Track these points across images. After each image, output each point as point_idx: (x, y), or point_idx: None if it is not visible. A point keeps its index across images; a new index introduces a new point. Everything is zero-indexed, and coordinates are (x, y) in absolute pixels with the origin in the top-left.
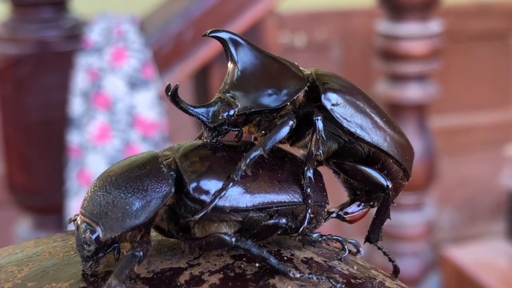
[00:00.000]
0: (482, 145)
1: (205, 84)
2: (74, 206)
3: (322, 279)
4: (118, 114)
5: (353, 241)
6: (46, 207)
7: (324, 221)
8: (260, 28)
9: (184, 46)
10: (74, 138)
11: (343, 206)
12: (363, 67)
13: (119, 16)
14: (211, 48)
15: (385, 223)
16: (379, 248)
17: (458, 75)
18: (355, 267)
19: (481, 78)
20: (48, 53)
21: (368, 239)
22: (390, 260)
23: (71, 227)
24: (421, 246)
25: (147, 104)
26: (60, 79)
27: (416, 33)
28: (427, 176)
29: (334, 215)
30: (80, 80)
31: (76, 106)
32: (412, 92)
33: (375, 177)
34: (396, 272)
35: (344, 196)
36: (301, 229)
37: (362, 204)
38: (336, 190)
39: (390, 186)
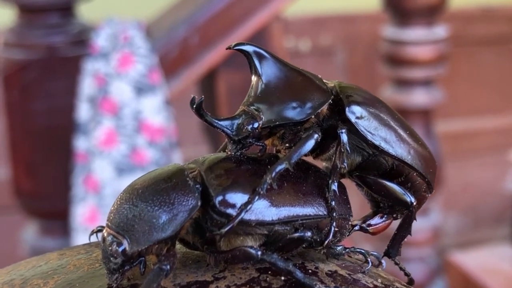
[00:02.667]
0: (487, 149)
1: (211, 89)
2: (80, 211)
3: None
4: (125, 119)
5: (375, 253)
6: (52, 212)
7: (349, 234)
8: (265, 33)
9: (190, 52)
10: (80, 144)
11: (366, 218)
12: (368, 72)
13: (125, 21)
14: (217, 53)
15: (405, 239)
16: (396, 263)
17: (462, 79)
18: (379, 280)
19: (485, 83)
20: (55, 59)
21: (387, 254)
22: (405, 274)
23: (93, 238)
24: (427, 251)
25: (154, 109)
26: (67, 85)
27: (421, 38)
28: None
29: (357, 227)
30: (86, 86)
31: (83, 111)
32: (418, 97)
33: (399, 193)
34: (410, 284)
35: (365, 206)
36: (326, 242)
37: (385, 216)
38: (356, 200)
39: (414, 203)
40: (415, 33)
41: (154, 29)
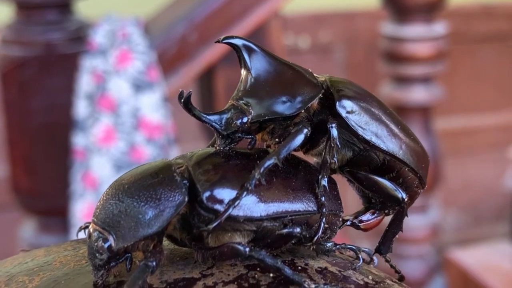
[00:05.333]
0: (487, 147)
1: (210, 86)
2: (79, 208)
3: None
4: (123, 116)
5: (366, 250)
6: (51, 210)
7: (339, 228)
8: (264, 30)
9: (189, 49)
10: (79, 141)
11: (357, 214)
12: (367, 69)
13: (123, 18)
14: (216, 50)
15: (397, 235)
16: (387, 261)
17: (462, 76)
18: (370, 277)
19: (485, 80)
20: (53, 56)
21: (378, 251)
22: (396, 271)
23: (81, 235)
24: (426, 248)
25: (152, 106)
26: (65, 82)
27: (421, 35)
28: (432, 178)
29: (348, 223)
30: (84, 83)
31: (81, 108)
32: (417, 94)
33: (391, 189)
34: (401, 281)
35: (357, 202)
36: (315, 238)
37: (377, 212)
38: (349, 196)
39: (405, 199)
40: (414, 30)
41: (153, 26)
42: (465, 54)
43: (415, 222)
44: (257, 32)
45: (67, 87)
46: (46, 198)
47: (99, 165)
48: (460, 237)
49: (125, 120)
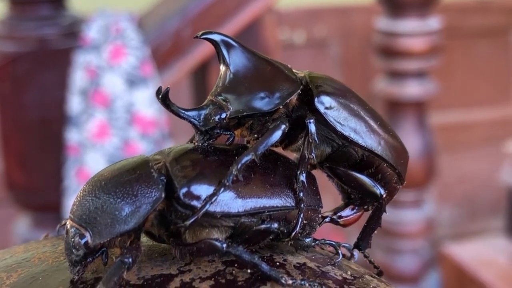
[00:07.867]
0: (482, 141)
1: (204, 82)
2: None
3: (314, 286)
4: (117, 111)
5: (346, 245)
6: (45, 205)
7: (319, 226)
8: (258, 25)
9: (183, 44)
10: (72, 136)
11: (336, 210)
12: (362, 64)
13: (117, 13)
14: (210, 45)
15: (375, 231)
16: (365, 257)
17: (457, 71)
18: (349, 272)
19: (480, 75)
20: (46, 51)
21: (357, 246)
22: (375, 267)
23: (62, 232)
24: (421, 243)
25: (146, 102)
26: (59, 77)
27: (415, 30)
28: (427, 173)
29: (327, 219)
30: (78, 78)
31: (74, 104)
32: (412, 89)
33: (369, 185)
34: (379, 276)
35: (337, 197)
36: (293, 234)
37: (356, 207)
38: (330, 191)
39: (384, 195)
40: (409, 24)
41: (146, 21)
42: (460, 49)
43: (409, 217)
44: (251, 27)
45: (60, 82)
46: (41, 194)
47: (93, 160)
48: (455, 231)
49: (119, 116)
